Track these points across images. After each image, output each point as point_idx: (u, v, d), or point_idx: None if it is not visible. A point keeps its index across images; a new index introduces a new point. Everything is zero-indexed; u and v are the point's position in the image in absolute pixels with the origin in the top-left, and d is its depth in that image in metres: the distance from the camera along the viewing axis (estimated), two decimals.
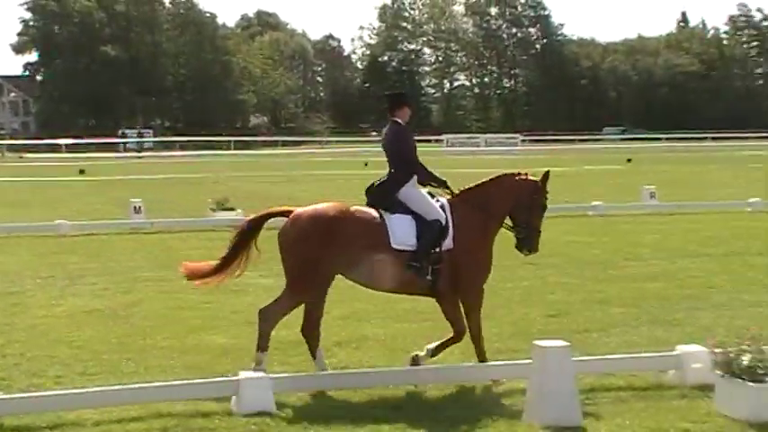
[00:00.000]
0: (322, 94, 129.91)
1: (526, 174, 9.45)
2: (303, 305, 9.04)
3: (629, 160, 53.57)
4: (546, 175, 9.33)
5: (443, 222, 8.95)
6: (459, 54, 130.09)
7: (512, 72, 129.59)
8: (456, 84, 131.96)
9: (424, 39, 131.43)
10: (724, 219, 22.71)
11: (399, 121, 9.32)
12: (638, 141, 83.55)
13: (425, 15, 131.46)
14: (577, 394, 7.68)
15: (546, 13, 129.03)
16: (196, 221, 22.70)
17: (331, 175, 44.08)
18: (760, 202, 24.83)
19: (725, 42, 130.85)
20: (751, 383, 7.48)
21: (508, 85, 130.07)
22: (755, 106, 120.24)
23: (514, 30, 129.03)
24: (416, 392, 8.60)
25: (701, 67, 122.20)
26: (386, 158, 9.37)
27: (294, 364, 9.50)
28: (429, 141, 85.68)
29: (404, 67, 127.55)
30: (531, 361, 7.83)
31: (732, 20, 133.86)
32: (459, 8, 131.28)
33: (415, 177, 9.18)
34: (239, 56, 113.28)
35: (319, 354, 9.08)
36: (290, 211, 9.04)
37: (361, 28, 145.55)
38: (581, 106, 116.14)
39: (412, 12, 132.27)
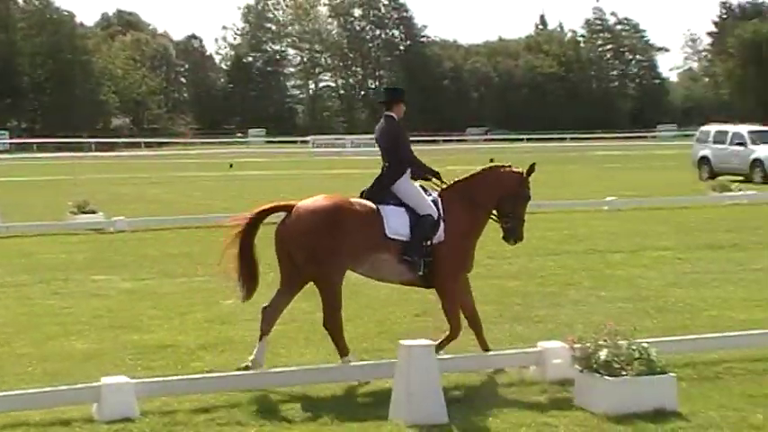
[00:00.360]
0: (186, 95, 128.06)
1: (509, 166, 9.86)
2: (279, 288, 9.21)
3: (491, 161, 54.45)
4: (531, 167, 9.77)
5: (435, 216, 9.25)
6: (323, 55, 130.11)
7: (377, 73, 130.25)
8: (321, 85, 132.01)
9: (289, 40, 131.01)
10: (583, 217, 23.32)
11: (394, 116, 9.58)
12: (500, 142, 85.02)
13: (290, 16, 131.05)
14: (442, 392, 7.77)
15: (409, 14, 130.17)
16: (55, 225, 22.09)
17: (196, 176, 43.55)
18: (617, 201, 25.58)
19: (582, 45, 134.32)
20: (608, 377, 7.70)
21: (373, 87, 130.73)
22: (611, 107, 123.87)
23: (378, 31, 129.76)
24: (284, 394, 8.55)
25: (559, 69, 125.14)
26: (379, 152, 9.62)
27: (157, 369, 9.34)
28: (294, 142, 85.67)
29: (268, 68, 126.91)
30: (397, 360, 7.88)
31: (588, 23, 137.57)
32: (323, 9, 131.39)
33: (409, 171, 9.45)
34: (99, 56, 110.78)
35: (262, 345, 9.13)
36: (291, 206, 9.17)
37: (225, 28, 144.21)
38: (445, 107, 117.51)
39: (276, 12, 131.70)
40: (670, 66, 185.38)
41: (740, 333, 9.95)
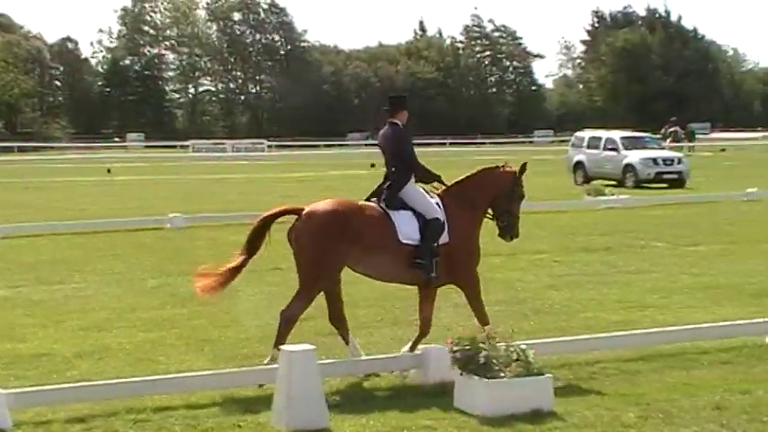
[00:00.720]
0: (61, 99, 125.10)
1: (503, 166, 10.23)
2: (325, 298, 9.53)
3: (372, 165, 54.72)
4: (523, 166, 10.15)
5: (442, 219, 9.59)
6: (203, 59, 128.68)
7: (257, 78, 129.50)
8: (201, 89, 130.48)
9: (167, 43, 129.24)
10: None
11: (398, 122, 9.95)
12: None
13: (168, 20, 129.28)
14: (323, 397, 7.78)
15: (289, 19, 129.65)
16: None
17: (72, 181, 42.58)
18: None
19: (461, 51, 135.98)
20: (487, 379, 7.81)
21: (254, 91, 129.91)
22: (489, 113, 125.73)
23: (258, 35, 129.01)
24: (162, 402, 8.42)
25: (439, 75, 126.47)
26: (383, 158, 10.06)
27: (32, 378, 9.11)
28: (174, 147, 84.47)
29: (146, 72, 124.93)
30: (277, 366, 7.85)
31: (467, 30, 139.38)
32: (201, 13, 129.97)
33: (413, 176, 9.81)
34: None
35: (352, 341, 9.58)
36: (300, 209, 9.44)
37: (101, 31, 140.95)
38: (326, 112, 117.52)
39: (154, 15, 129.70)
40: (546, 72, 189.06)
41: (614, 334, 10.22)
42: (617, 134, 39.25)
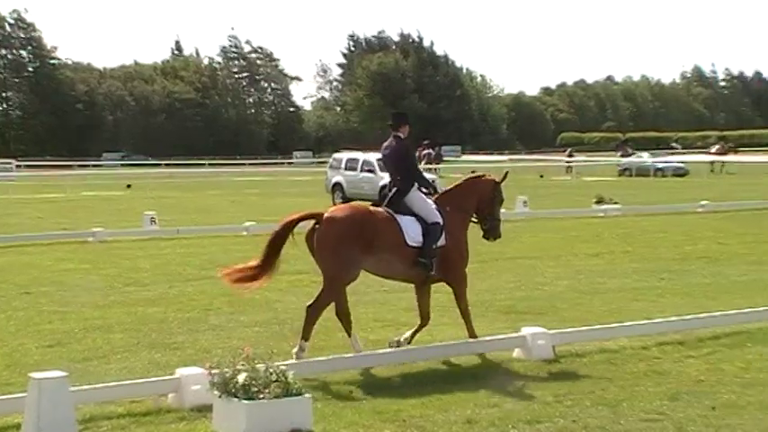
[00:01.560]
0: None
1: (484, 175, 11.64)
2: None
3: (128, 186, 53.56)
4: (505, 174, 11.57)
5: (442, 223, 10.70)
6: None
7: (3, 95, 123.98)
8: None
9: None
10: (221, 242, 23.43)
11: (401, 136, 11.11)
12: (138, 167, 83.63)
13: None
14: (76, 425, 7.51)
15: (37, 35, 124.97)
16: None
17: None
18: (255, 227, 25.91)
19: (218, 72, 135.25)
20: (245, 401, 7.77)
21: (1, 108, 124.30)
22: (248, 134, 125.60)
23: (4, 51, 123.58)
24: None
25: (197, 95, 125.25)
26: (387, 167, 11.32)
27: None
28: None
29: None
30: (26, 394, 7.53)
31: (224, 50, 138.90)
32: None
33: (416, 184, 10.93)
34: None
35: (354, 336, 10.62)
36: (320, 214, 10.42)
37: None
38: (79, 131, 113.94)
39: None
40: (304, 94, 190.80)
41: (368, 353, 10.42)
42: (374, 156, 40.07)
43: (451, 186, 11.40)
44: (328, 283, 10.38)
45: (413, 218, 10.70)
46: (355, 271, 10.48)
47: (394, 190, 10.97)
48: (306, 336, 10.22)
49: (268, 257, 10.36)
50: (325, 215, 10.39)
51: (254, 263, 10.38)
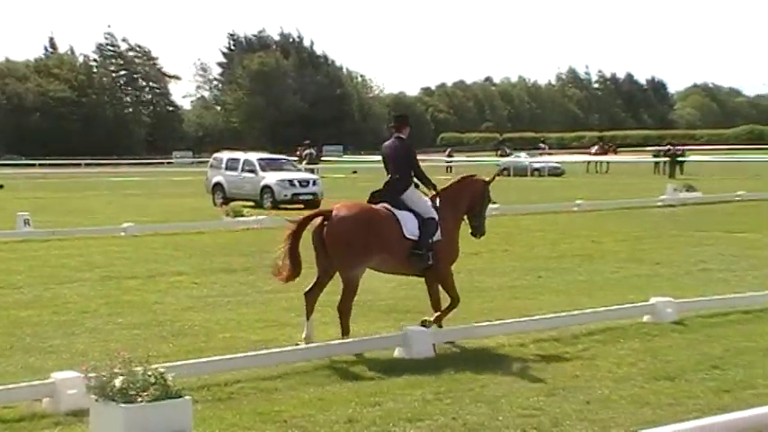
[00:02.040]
0: None
1: (475, 175, 12.31)
2: (317, 275, 11.18)
3: (1, 186, 52.17)
4: (495, 176, 12.52)
5: (437, 219, 11.36)
6: None
7: None
8: None
9: None
10: (99, 244, 23.01)
11: (402, 136, 11.70)
12: (11, 167, 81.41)
13: None
14: None
15: None
16: None
17: None
18: (133, 227, 25.52)
19: (95, 70, 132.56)
20: (123, 405, 7.64)
21: None
22: (126, 133, 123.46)
23: None
24: None
25: (72, 94, 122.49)
26: (386, 166, 11.72)
27: None
28: None
29: None
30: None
31: (100, 48, 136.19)
32: None
33: (414, 181, 11.54)
34: None
35: (311, 322, 11.01)
36: (329, 211, 11.06)
37: None
38: None
39: None
40: (183, 93, 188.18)
41: (250, 354, 10.34)
42: (255, 156, 39.87)
43: (447, 186, 12.04)
44: (346, 278, 10.98)
45: (410, 213, 11.33)
46: (368, 264, 11.14)
47: (390, 188, 11.53)
48: (345, 331, 11.00)
49: (293, 253, 11.04)
50: (334, 213, 11.03)
51: (282, 263, 11.16)
